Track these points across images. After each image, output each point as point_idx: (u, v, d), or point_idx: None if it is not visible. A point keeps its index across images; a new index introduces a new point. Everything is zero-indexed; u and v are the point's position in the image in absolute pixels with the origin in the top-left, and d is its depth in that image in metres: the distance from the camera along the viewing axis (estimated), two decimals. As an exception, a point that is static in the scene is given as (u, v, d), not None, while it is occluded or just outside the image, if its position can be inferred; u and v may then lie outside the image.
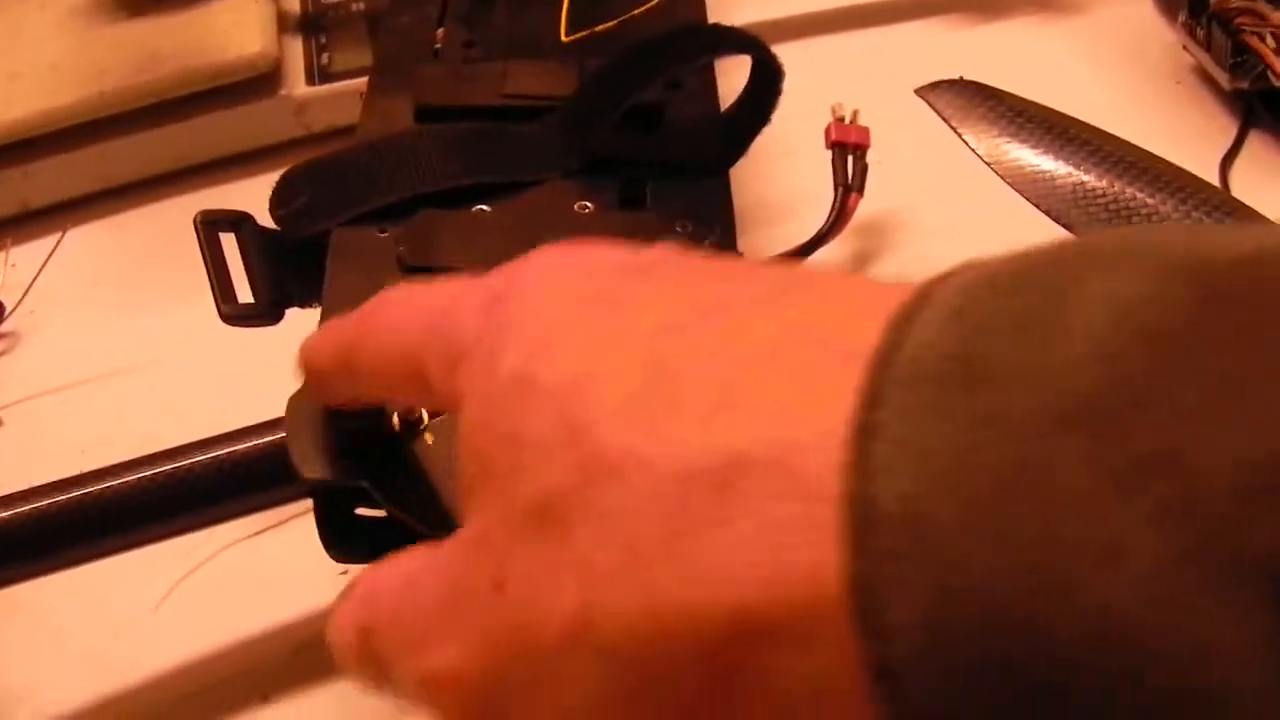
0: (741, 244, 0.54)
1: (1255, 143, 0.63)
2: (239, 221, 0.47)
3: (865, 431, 0.19)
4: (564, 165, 0.49)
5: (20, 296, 0.60)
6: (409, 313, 0.30)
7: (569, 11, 0.49)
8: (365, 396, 0.34)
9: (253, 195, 0.66)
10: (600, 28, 0.48)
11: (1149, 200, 0.39)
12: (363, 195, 0.47)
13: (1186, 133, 0.64)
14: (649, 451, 0.21)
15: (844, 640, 0.18)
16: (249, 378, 0.53)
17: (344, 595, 0.29)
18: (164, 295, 0.60)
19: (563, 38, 0.48)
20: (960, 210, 0.59)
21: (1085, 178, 0.40)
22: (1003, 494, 0.17)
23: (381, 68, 0.56)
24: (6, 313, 0.60)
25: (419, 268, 0.45)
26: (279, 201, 0.48)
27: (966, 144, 0.41)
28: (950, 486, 0.18)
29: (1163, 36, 0.69)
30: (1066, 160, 0.40)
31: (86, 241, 0.65)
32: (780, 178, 0.60)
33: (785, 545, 0.19)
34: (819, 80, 0.67)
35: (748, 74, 0.50)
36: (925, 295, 0.20)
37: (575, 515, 0.22)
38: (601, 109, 0.49)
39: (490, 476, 0.24)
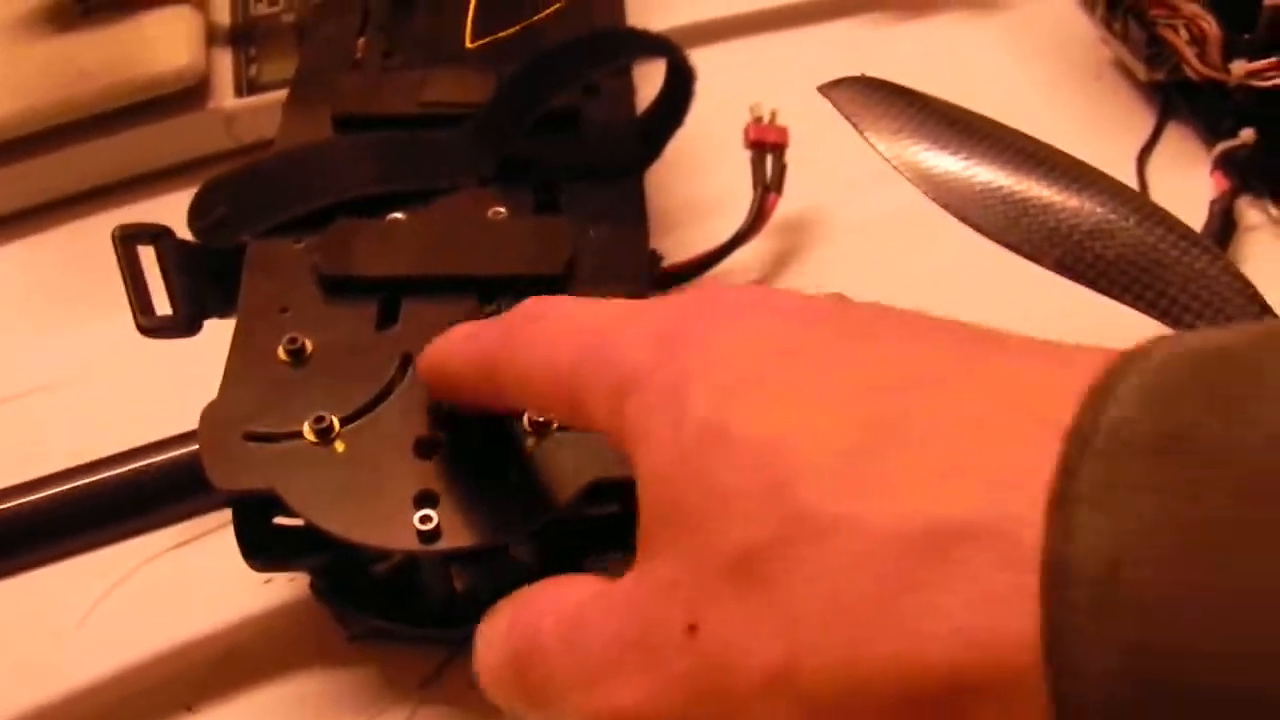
0: (664, 243, 0.54)
1: (1173, 134, 0.64)
2: (158, 235, 0.48)
3: (1066, 501, 0.20)
4: (480, 172, 0.49)
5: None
6: (562, 330, 0.31)
7: (474, 18, 0.49)
8: (501, 406, 0.35)
9: (182, 209, 0.66)
10: (503, 34, 0.49)
11: (1045, 194, 0.40)
12: (279, 205, 0.48)
13: (1106, 125, 0.65)
14: (864, 513, 0.22)
15: (1042, 692, 0.19)
16: (173, 390, 0.52)
17: (492, 619, 0.30)
18: (89, 311, 0.60)
19: (467, 43, 0.49)
20: (878, 208, 0.59)
21: (984, 174, 0.40)
22: (1204, 553, 0.18)
23: (302, 78, 0.56)
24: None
25: (334, 276, 0.45)
26: (197, 214, 0.48)
27: (867, 140, 0.42)
28: (1149, 545, 0.19)
29: (1084, 32, 0.70)
30: (966, 156, 0.41)
31: (12, 258, 0.65)
32: (702, 178, 0.61)
33: (998, 612, 0.20)
34: (740, 80, 0.67)
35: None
36: (1123, 368, 0.21)
37: (778, 569, 0.23)
38: (515, 115, 0.49)
39: (681, 524, 0.25)
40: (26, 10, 0.72)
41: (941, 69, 0.70)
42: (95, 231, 0.65)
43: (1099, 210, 0.39)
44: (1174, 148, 0.63)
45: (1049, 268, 0.39)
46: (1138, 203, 0.39)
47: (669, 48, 0.49)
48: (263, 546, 0.42)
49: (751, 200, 0.55)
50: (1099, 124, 0.65)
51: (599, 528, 0.42)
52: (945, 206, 0.40)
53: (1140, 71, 0.64)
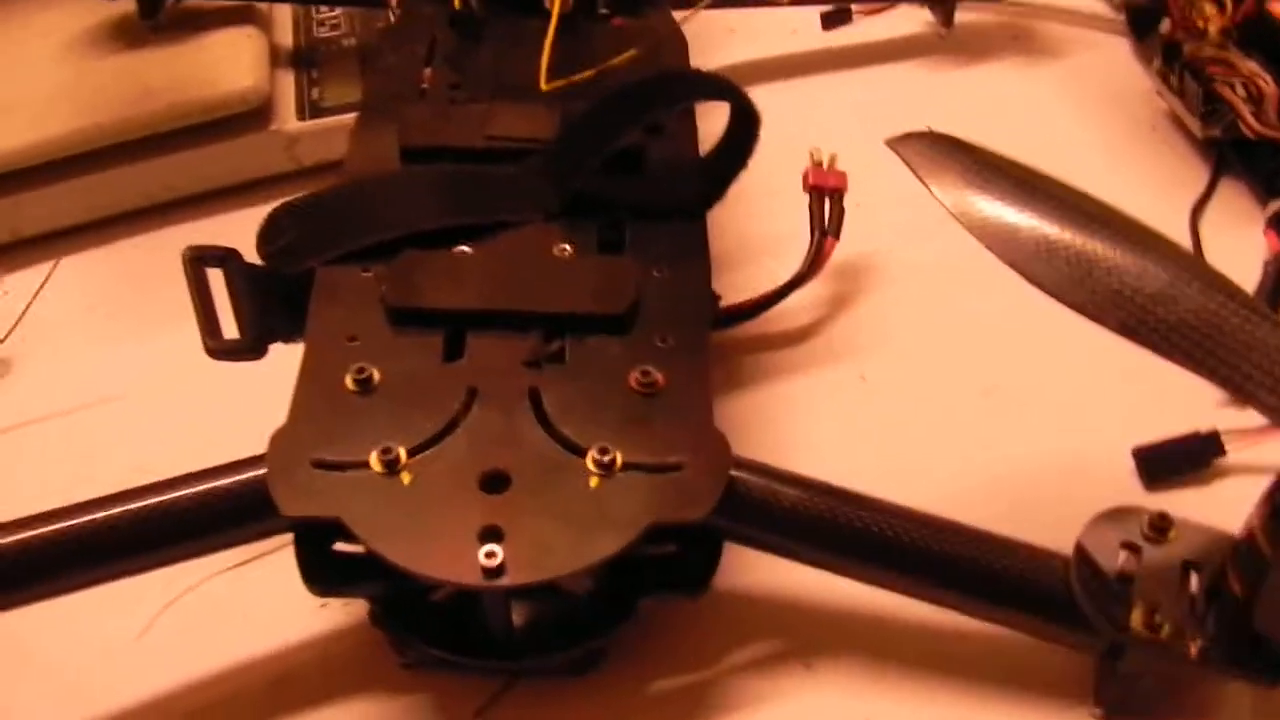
0: (721, 283, 0.55)
1: (1226, 190, 0.64)
2: (226, 258, 0.48)
3: None
4: (545, 207, 0.50)
5: (12, 325, 0.61)
6: None
7: (549, 60, 0.50)
8: None
9: (243, 227, 0.67)
10: (578, 77, 0.49)
11: (1110, 255, 0.40)
12: (347, 235, 0.48)
13: (1160, 178, 0.66)
14: None
15: None
16: (236, 407, 0.54)
17: None
18: (154, 324, 0.61)
19: (542, 86, 0.50)
20: (935, 253, 0.60)
21: (1049, 232, 0.41)
22: None
23: (369, 107, 0.57)
24: (-1, 342, 0.61)
25: (401, 307, 0.46)
26: (266, 239, 0.49)
27: (934, 195, 0.42)
28: None
29: (1139, 82, 0.71)
30: (1031, 213, 0.41)
31: (78, 270, 0.66)
32: (760, 218, 0.61)
33: None
34: (800, 121, 0.68)
35: (728, 116, 0.51)
36: None
37: None
38: (582, 153, 0.50)
39: None
40: (96, 25, 0.73)
41: (996, 115, 0.70)
42: (159, 247, 0.67)
43: (1163, 275, 0.39)
44: (1228, 204, 0.63)
45: (1112, 329, 0.39)
46: (1201, 269, 0.39)
47: (735, 91, 0.49)
48: (324, 572, 0.42)
49: (809, 243, 0.56)
50: (1153, 176, 0.66)
51: (657, 565, 0.43)
52: (1009, 263, 0.41)
53: (1196, 127, 0.64)
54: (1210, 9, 0.66)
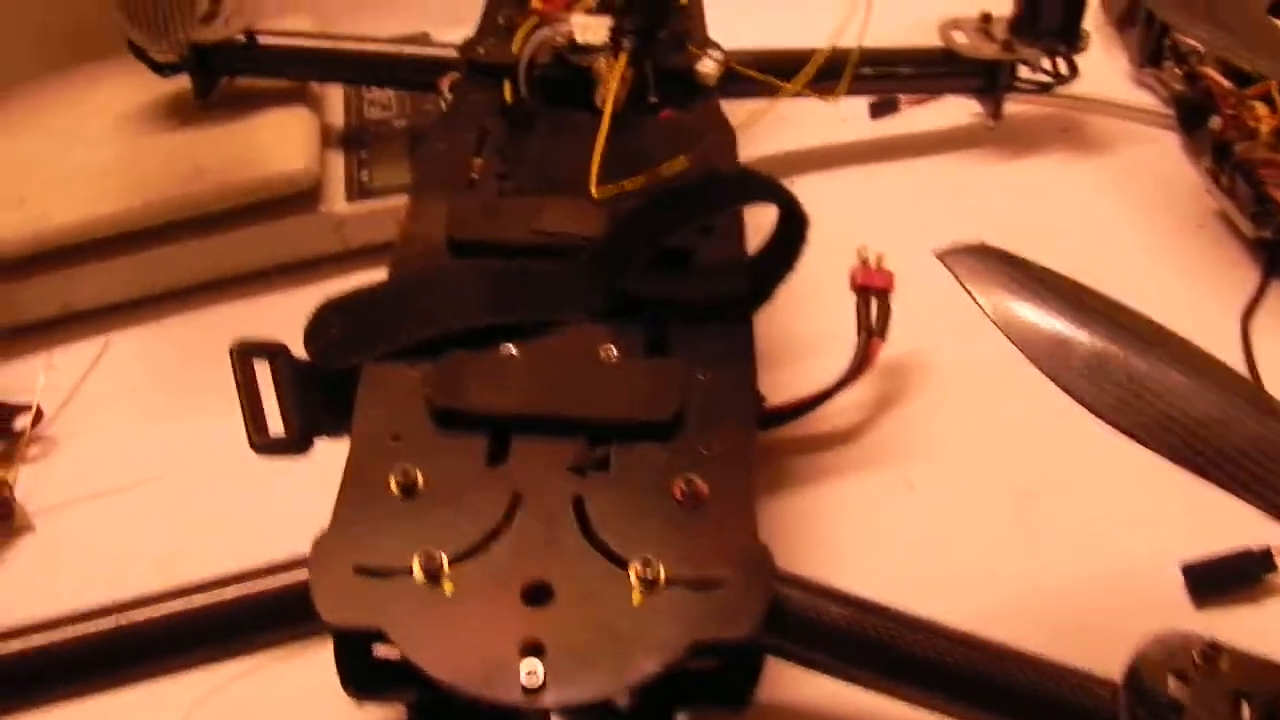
0: (765, 381, 0.55)
1: (1277, 291, 0.64)
2: (274, 352, 0.49)
3: None
4: (590, 306, 0.50)
5: (62, 402, 0.62)
6: None
7: (601, 164, 0.50)
8: None
9: (290, 308, 0.67)
10: (628, 184, 0.50)
11: (1161, 378, 0.39)
12: (394, 332, 0.48)
13: (1209, 278, 0.65)
14: None
15: None
16: (277, 493, 0.54)
17: None
18: (199, 406, 0.61)
19: (593, 193, 0.50)
20: (980, 352, 0.59)
21: (1098, 352, 0.40)
22: None
23: (418, 196, 0.57)
24: (46, 419, 0.62)
25: (446, 409, 0.46)
26: (312, 336, 0.49)
27: (983, 311, 0.42)
28: None
29: (1187, 178, 0.71)
30: (1081, 331, 0.41)
31: (126, 346, 0.66)
32: (806, 313, 0.61)
33: None
34: (847, 213, 0.68)
35: (775, 211, 0.51)
36: None
37: None
38: (629, 253, 0.50)
39: None
40: (150, 101, 0.74)
41: (1043, 210, 0.70)
42: (207, 326, 0.67)
43: (1215, 400, 0.39)
44: (1278, 307, 0.63)
45: (1162, 455, 0.39)
46: (1254, 394, 0.39)
47: (785, 195, 0.49)
48: (363, 677, 0.42)
49: (856, 344, 0.55)
50: (1201, 276, 0.65)
51: (698, 678, 0.42)
52: (1058, 383, 0.40)
53: (1246, 228, 0.64)
54: (1262, 109, 0.66)
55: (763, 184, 0.49)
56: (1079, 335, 0.41)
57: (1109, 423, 0.40)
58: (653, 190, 0.51)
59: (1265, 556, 0.50)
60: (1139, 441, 0.39)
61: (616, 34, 0.55)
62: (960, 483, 0.55)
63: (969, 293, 0.43)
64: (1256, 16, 0.61)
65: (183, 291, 0.69)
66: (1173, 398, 0.39)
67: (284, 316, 0.65)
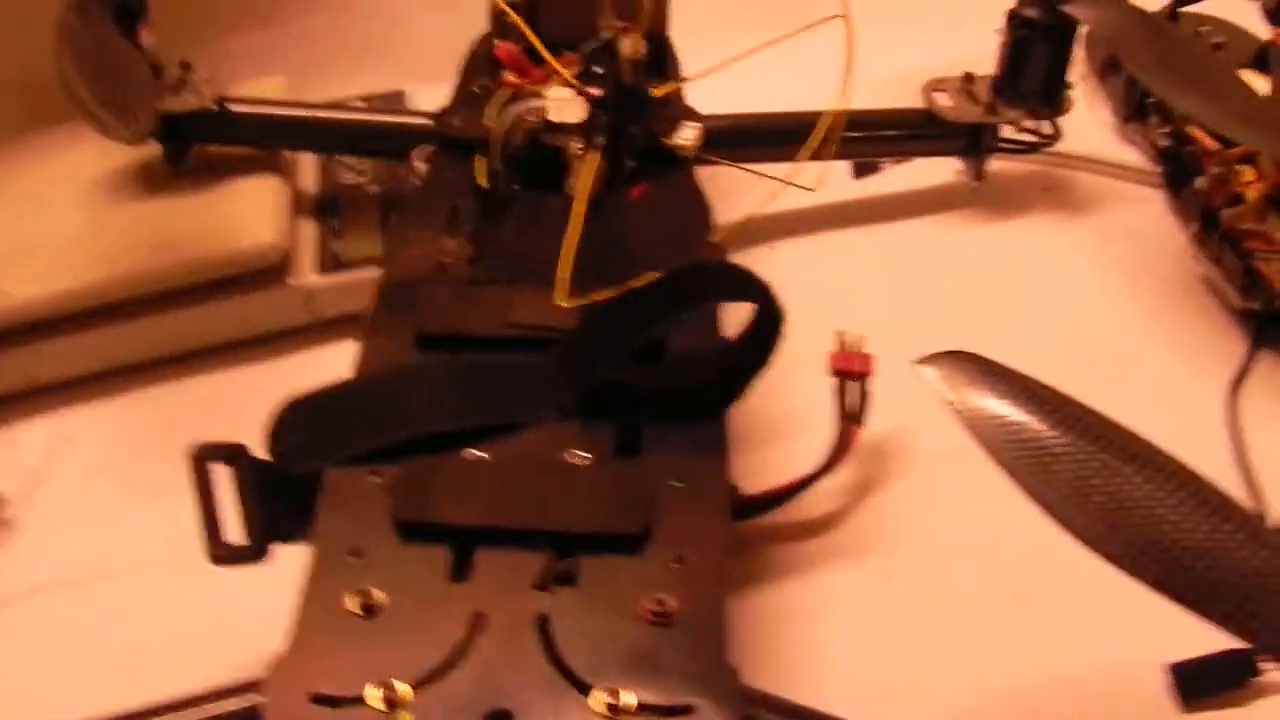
0: (739, 464, 0.53)
1: (1265, 363, 0.62)
2: (233, 454, 0.47)
3: None
4: (561, 404, 0.49)
5: (24, 485, 0.60)
6: None
7: (566, 269, 0.49)
8: None
9: (259, 381, 0.67)
10: (597, 297, 0.48)
11: (1148, 501, 0.38)
12: (358, 436, 0.47)
13: (1195, 348, 0.64)
14: None
15: None
16: (244, 589, 0.52)
17: None
18: (166, 489, 0.59)
19: (563, 302, 0.48)
20: (960, 436, 0.58)
21: (1083, 470, 0.39)
22: None
23: (388, 283, 0.56)
24: (5, 500, 0.60)
25: (409, 521, 0.44)
26: (274, 438, 0.48)
27: (962, 425, 0.41)
28: None
29: (1173, 240, 0.69)
30: (1065, 448, 0.40)
31: (91, 424, 0.65)
32: (782, 390, 0.59)
33: None
34: (826, 282, 0.67)
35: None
36: None
37: None
38: (602, 350, 0.49)
39: None
40: (118, 169, 0.73)
41: (1026, 274, 0.69)
42: (176, 400, 0.66)
43: (1204, 526, 0.37)
44: (1266, 381, 0.62)
45: (1147, 584, 0.37)
46: (1245, 522, 0.38)
47: (762, 291, 0.48)
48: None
49: (834, 432, 0.54)
50: (1187, 345, 0.64)
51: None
52: (1042, 505, 0.39)
53: (1233, 298, 0.63)
54: (1249, 173, 0.65)
55: (741, 281, 0.48)
56: (1062, 450, 0.40)
57: (1092, 548, 0.38)
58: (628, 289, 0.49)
59: (1250, 657, 0.49)
60: (1122, 569, 0.38)
61: (590, 127, 0.54)
62: (940, 577, 0.54)
63: (947, 406, 0.41)
64: (1245, 88, 0.60)
65: (149, 365, 0.67)
66: (1160, 522, 0.38)
67: (253, 391, 0.64)
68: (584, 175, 0.52)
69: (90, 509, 0.61)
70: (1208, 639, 0.49)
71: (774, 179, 0.52)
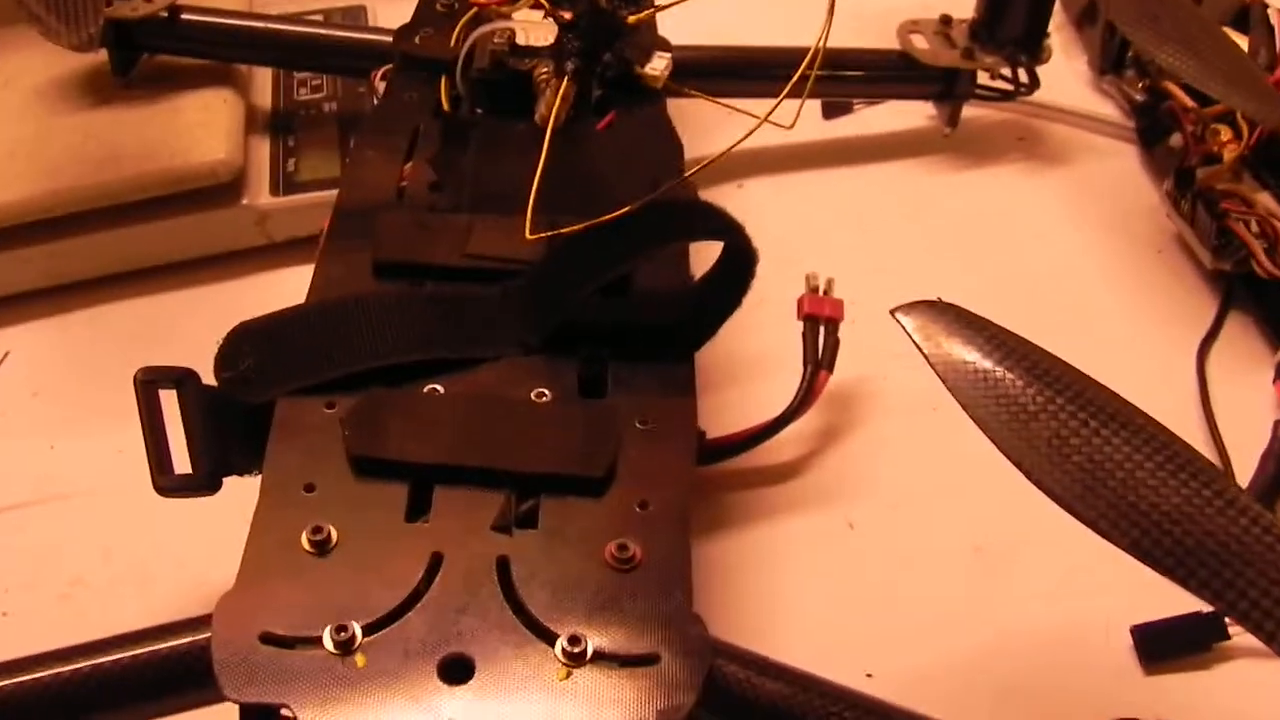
0: (704, 407, 0.52)
1: (1234, 325, 0.62)
2: (181, 380, 0.45)
3: None
4: (523, 340, 0.47)
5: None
6: None
7: (534, 203, 0.47)
8: None
9: (208, 303, 0.65)
10: (565, 230, 0.46)
11: (1126, 463, 0.37)
12: (311, 365, 0.46)
13: (1165, 307, 0.63)
14: None
15: None
16: (186, 516, 0.51)
17: None
18: (106, 414, 0.57)
19: (526, 235, 0.46)
20: (928, 381, 0.57)
21: (1061, 429, 0.38)
22: None
23: (344, 207, 0.53)
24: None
25: (364, 457, 0.43)
26: (224, 364, 0.45)
27: (940, 377, 0.40)
28: None
29: (1146, 197, 0.69)
30: (1043, 405, 0.39)
31: (30, 343, 0.62)
32: (748, 331, 0.58)
33: None
34: (795, 222, 0.66)
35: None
36: None
37: None
38: (567, 286, 0.47)
39: None
40: (63, 75, 0.70)
41: (997, 224, 0.68)
42: (120, 320, 0.64)
43: (1182, 491, 0.37)
44: (1235, 342, 0.61)
45: (1124, 548, 0.37)
46: (1224, 487, 0.37)
47: (735, 231, 0.46)
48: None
49: (802, 376, 0.53)
50: (1157, 304, 0.63)
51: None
52: (1018, 464, 0.38)
53: (1206, 258, 0.62)
54: (1226, 132, 0.64)
55: (714, 220, 0.46)
56: (1040, 406, 0.39)
57: (1067, 509, 0.37)
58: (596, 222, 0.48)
59: (1216, 620, 0.48)
60: (1099, 532, 0.37)
61: (559, 53, 0.52)
62: (904, 528, 0.53)
63: (925, 356, 0.40)
64: (1228, 45, 0.59)
65: (95, 282, 0.65)
66: (1137, 486, 0.37)
67: (202, 312, 0.63)
68: (554, 102, 0.50)
69: (32, 436, 0.58)
70: (1173, 598, 0.49)
71: (750, 115, 0.50)
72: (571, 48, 0.51)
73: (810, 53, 0.46)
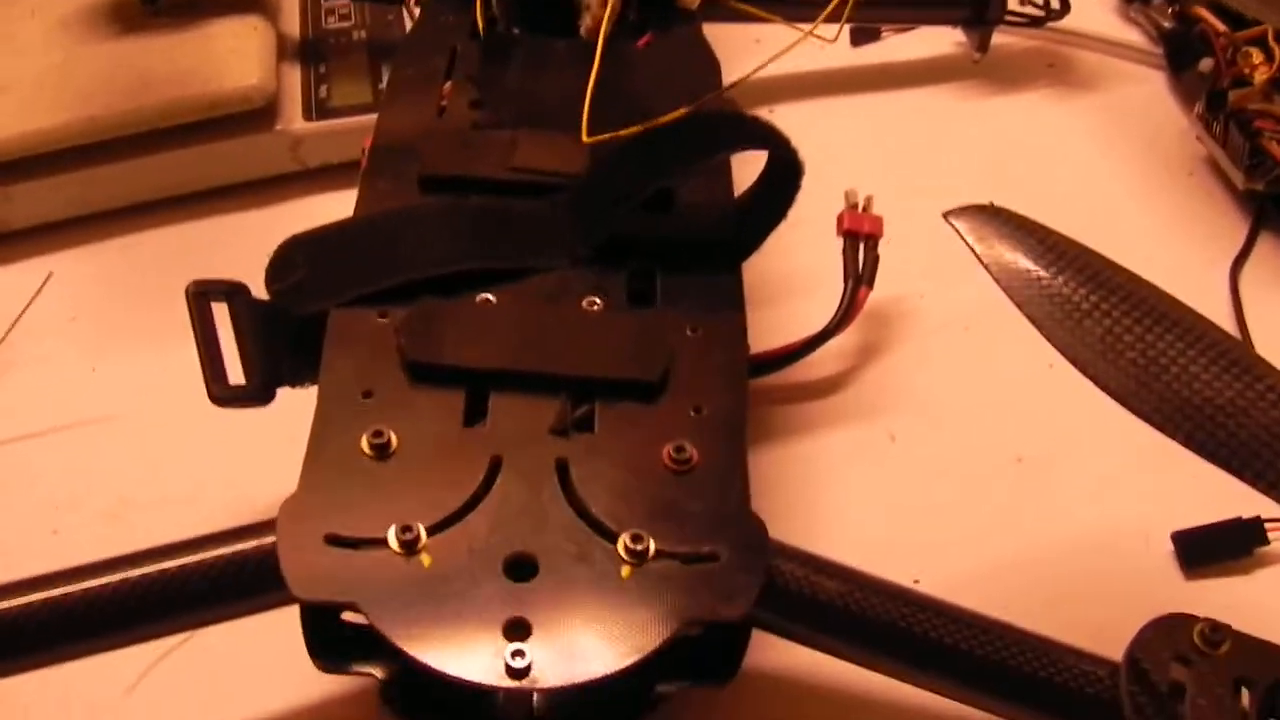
0: (749, 321, 0.52)
1: (1266, 244, 0.62)
2: (232, 293, 0.46)
3: None
4: (572, 251, 0.47)
5: (2, 332, 0.58)
6: None
7: (589, 108, 0.47)
8: None
9: (243, 229, 0.65)
10: (624, 132, 0.47)
11: (1180, 360, 0.38)
12: (362, 275, 0.46)
13: (1197, 228, 0.64)
14: None
15: None
16: (231, 436, 0.51)
17: None
18: (146, 337, 0.58)
19: (584, 138, 0.47)
20: (966, 298, 0.58)
21: (1116, 329, 0.39)
22: None
23: (386, 124, 0.53)
24: (-17, 346, 0.58)
25: (421, 363, 0.43)
26: (275, 276, 0.46)
27: (994, 278, 0.40)
28: None
29: (1175, 121, 0.69)
30: (1097, 306, 0.39)
31: (67, 270, 0.63)
32: (786, 251, 0.58)
33: None
34: (828, 147, 0.65)
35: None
36: None
37: None
38: (614, 197, 0.47)
39: None
40: (90, 5, 0.69)
41: (1028, 149, 0.68)
42: (156, 247, 0.64)
43: (1235, 385, 0.37)
44: (1268, 261, 0.62)
45: (1179, 441, 0.37)
46: (1276, 381, 0.37)
47: (781, 141, 0.47)
48: (333, 647, 0.40)
49: (842, 292, 0.53)
50: (1189, 225, 0.64)
51: (681, 649, 0.41)
52: (1073, 360, 0.38)
53: (1238, 179, 0.62)
54: (1257, 55, 0.64)
55: (761, 130, 0.46)
56: (1094, 308, 0.39)
57: (1125, 405, 0.38)
58: (640, 132, 0.48)
59: (1257, 526, 0.49)
60: (1153, 425, 0.38)
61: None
62: (945, 440, 0.54)
63: (978, 258, 0.41)
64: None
65: (128, 210, 0.65)
66: (1191, 380, 0.38)
67: (236, 239, 0.63)
68: (603, 14, 0.50)
69: (74, 358, 0.59)
70: (1212, 507, 0.50)
71: (793, 27, 0.50)
72: (617, -40, 0.51)
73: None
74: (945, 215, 0.42)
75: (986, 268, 0.41)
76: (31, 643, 0.39)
